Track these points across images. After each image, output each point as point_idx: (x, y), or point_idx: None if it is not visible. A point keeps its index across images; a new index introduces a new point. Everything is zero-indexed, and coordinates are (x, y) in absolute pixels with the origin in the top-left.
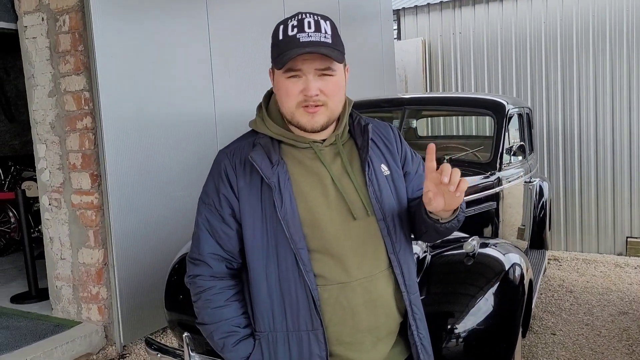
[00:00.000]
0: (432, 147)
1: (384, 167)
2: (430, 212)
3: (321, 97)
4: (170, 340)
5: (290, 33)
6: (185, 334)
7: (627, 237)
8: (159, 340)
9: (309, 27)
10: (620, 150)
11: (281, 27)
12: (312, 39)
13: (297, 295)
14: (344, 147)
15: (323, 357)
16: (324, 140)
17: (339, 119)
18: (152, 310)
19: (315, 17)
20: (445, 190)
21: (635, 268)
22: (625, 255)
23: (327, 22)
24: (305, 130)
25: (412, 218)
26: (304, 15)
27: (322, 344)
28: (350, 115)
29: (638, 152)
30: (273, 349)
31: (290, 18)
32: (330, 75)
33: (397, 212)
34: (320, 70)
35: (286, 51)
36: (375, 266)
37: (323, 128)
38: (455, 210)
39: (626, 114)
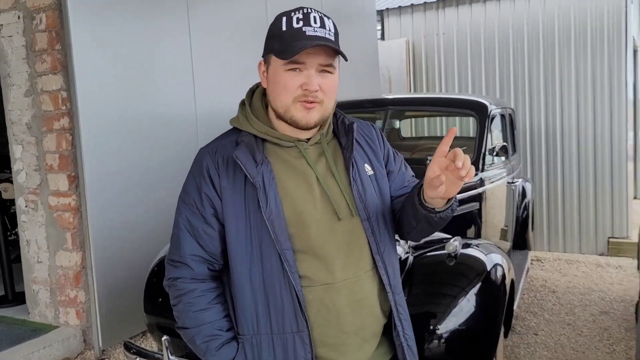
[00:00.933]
0: (453, 130)
1: (367, 167)
2: (426, 202)
3: (319, 94)
4: (150, 344)
5: (295, 25)
6: (164, 337)
7: (608, 238)
8: (138, 344)
9: (315, 22)
10: (601, 151)
11: (284, 18)
12: (318, 33)
13: (282, 297)
14: (328, 147)
15: (308, 359)
16: (308, 139)
17: None
18: (131, 314)
19: (319, 13)
20: (449, 177)
21: (617, 268)
22: (607, 255)
23: (330, 20)
24: (298, 125)
25: (399, 215)
26: (309, 10)
27: (307, 346)
28: (334, 114)
29: (619, 153)
30: (257, 352)
31: (294, 11)
32: (330, 72)
33: (381, 212)
34: (322, 66)
35: (293, 42)
36: (359, 267)
37: (316, 125)
38: (449, 200)
39: (607, 115)
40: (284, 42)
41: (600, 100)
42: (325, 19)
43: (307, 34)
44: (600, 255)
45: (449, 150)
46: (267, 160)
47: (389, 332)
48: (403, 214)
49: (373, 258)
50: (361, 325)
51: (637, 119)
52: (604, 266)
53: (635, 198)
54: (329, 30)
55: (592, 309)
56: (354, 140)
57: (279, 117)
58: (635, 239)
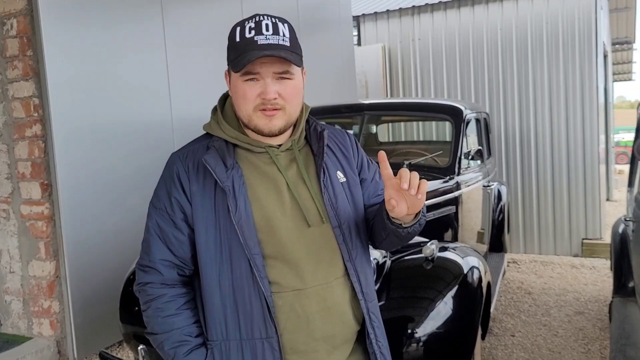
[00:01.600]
0: (382, 154)
1: (339, 174)
2: (393, 218)
3: (279, 101)
4: (126, 353)
5: (247, 35)
6: (141, 346)
7: (582, 239)
8: (114, 355)
9: (267, 30)
10: (574, 154)
11: (238, 28)
12: (270, 41)
13: (251, 303)
14: (300, 153)
15: None
16: (280, 145)
17: (295, 124)
18: (107, 323)
19: (273, 19)
20: (407, 195)
21: (591, 269)
22: (581, 257)
23: (285, 25)
24: (262, 133)
25: (371, 225)
26: (261, 17)
27: (276, 352)
28: (307, 121)
29: (591, 156)
30: (226, 358)
31: (248, 20)
32: (288, 78)
33: (353, 220)
34: (278, 74)
35: (244, 54)
36: (330, 273)
37: (280, 132)
38: (417, 214)
39: (579, 119)
40: (237, 53)
41: (573, 104)
42: (279, 24)
43: (258, 42)
44: (574, 256)
45: (397, 172)
46: (237, 165)
47: (362, 339)
48: (374, 224)
49: (345, 265)
50: (331, 332)
51: (608, 123)
52: (578, 267)
53: (607, 200)
54: (283, 35)
55: (567, 310)
56: (326, 147)
57: (245, 125)
58: (608, 240)
